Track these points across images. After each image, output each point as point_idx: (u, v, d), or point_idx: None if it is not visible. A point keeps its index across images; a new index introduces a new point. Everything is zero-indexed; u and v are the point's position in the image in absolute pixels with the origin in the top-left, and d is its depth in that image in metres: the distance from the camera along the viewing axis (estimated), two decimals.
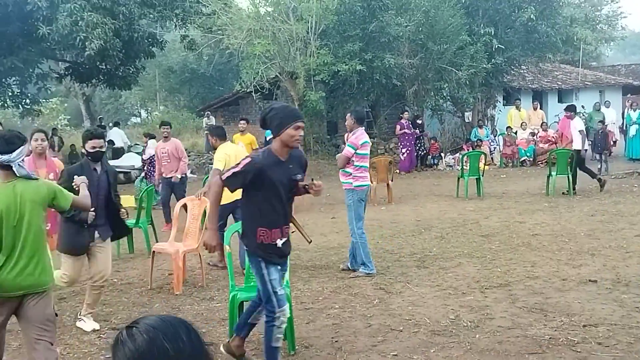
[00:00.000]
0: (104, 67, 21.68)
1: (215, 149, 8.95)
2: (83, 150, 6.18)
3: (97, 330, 6.36)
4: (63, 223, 6.22)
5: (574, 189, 14.42)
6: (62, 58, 23.49)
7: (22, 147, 4.38)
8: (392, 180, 14.94)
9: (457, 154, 21.30)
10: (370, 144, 8.65)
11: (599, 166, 17.71)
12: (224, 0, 21.69)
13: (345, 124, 8.70)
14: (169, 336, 1.67)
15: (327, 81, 21.73)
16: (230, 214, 8.32)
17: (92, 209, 5.82)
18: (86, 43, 18.33)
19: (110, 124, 30.65)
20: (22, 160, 4.43)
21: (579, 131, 14.86)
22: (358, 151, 8.15)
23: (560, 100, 29.58)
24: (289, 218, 5.03)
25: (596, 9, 41.05)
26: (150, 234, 10.41)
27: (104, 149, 6.28)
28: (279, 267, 4.96)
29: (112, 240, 6.61)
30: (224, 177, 4.76)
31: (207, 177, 11.12)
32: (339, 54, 21.21)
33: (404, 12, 21.46)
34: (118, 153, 22.66)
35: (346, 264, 8.44)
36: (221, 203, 9.02)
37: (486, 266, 8.30)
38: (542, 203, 13.35)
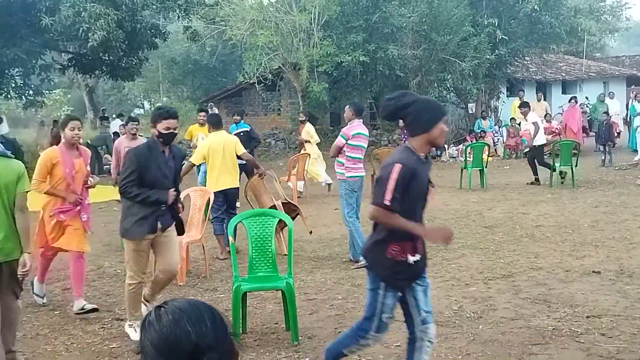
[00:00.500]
0: (107, 58, 21.64)
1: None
2: (153, 131, 5.69)
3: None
4: (130, 207, 5.71)
5: (537, 180, 14.90)
6: (65, 49, 23.44)
7: None
8: None
9: (461, 145, 21.28)
10: (367, 136, 8.62)
11: (603, 157, 17.66)
12: None
13: (344, 115, 8.74)
14: (193, 320, 1.68)
15: (330, 72, 21.70)
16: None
17: (173, 189, 5.77)
18: (89, 34, 18.30)
19: (114, 115, 30.65)
20: None
21: (533, 123, 15.13)
22: (350, 142, 8.21)
23: (564, 92, 29.52)
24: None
25: None
26: None
27: (177, 131, 5.78)
28: (417, 287, 4.28)
29: (178, 234, 6.18)
30: (387, 202, 3.92)
31: None
32: (342, 45, 21.17)
33: (407, 2, 21.39)
34: None
35: (349, 256, 8.46)
36: (219, 189, 9.11)
37: (489, 257, 8.30)
38: (545, 194, 13.33)
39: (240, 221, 5.96)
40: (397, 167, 3.94)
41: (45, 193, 6.54)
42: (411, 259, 4.13)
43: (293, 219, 7.79)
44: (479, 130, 21.98)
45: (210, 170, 8.83)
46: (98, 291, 7.47)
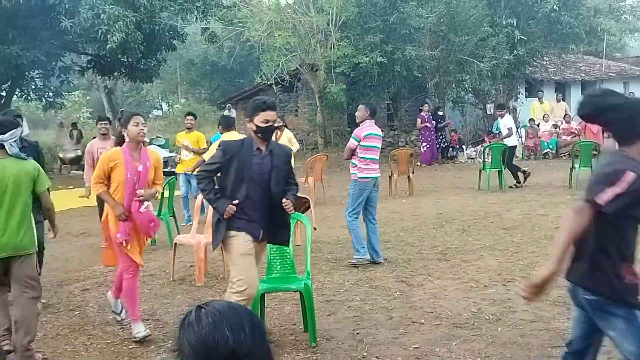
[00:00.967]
0: (126, 60, 21.75)
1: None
2: (250, 126, 5.17)
3: None
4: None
5: (518, 182, 15.01)
6: (84, 51, 23.58)
7: (14, 130, 5.04)
8: (413, 173, 14.89)
9: (479, 146, 21.19)
10: (380, 136, 8.62)
11: None
12: None
13: (356, 114, 8.76)
14: (232, 325, 1.68)
15: (347, 73, 21.69)
16: None
17: (236, 201, 5.12)
18: (108, 36, 18.41)
19: None
20: (15, 140, 5.05)
21: (509, 128, 15.18)
22: (362, 143, 8.25)
23: (583, 92, 29.24)
24: None
25: None
26: (172, 227, 10.46)
27: (277, 124, 5.54)
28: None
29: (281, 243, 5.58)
30: (600, 200, 3.31)
31: None
32: (360, 45, 21.15)
33: (425, 3, 21.34)
34: None
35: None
36: None
37: (508, 259, 8.25)
38: (564, 196, 13.23)
39: None
40: (632, 177, 3.28)
41: (98, 195, 6.18)
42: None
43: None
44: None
45: None
46: None
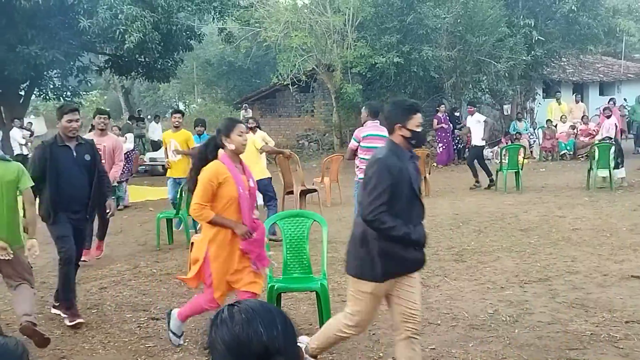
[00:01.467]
0: (143, 59, 21.87)
1: None
2: (401, 133, 4.34)
3: None
4: (371, 238, 4.33)
5: (491, 182, 15.04)
6: (102, 51, 23.74)
7: None
8: (429, 174, 14.85)
9: (496, 147, 21.08)
10: (384, 136, 8.50)
11: None
12: None
13: (360, 116, 8.78)
14: (266, 322, 1.70)
15: (364, 74, 21.66)
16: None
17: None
18: (125, 36, 18.52)
19: (149, 117, 30.99)
20: None
21: (469, 127, 15.24)
22: (362, 144, 8.27)
23: (601, 93, 29.08)
24: None
25: None
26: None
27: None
28: None
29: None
30: None
31: None
32: (376, 46, 21.12)
33: (442, 3, 21.28)
34: (156, 146, 23.08)
35: None
36: None
37: (525, 260, 8.21)
38: (582, 197, 13.15)
39: (275, 222, 5.98)
40: None
41: (209, 223, 5.10)
42: None
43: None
44: (515, 132, 21.74)
45: None
46: (134, 290, 7.55)
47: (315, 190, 12.10)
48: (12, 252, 5.54)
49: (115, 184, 12.27)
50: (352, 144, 8.44)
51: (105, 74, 26.75)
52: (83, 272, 8.52)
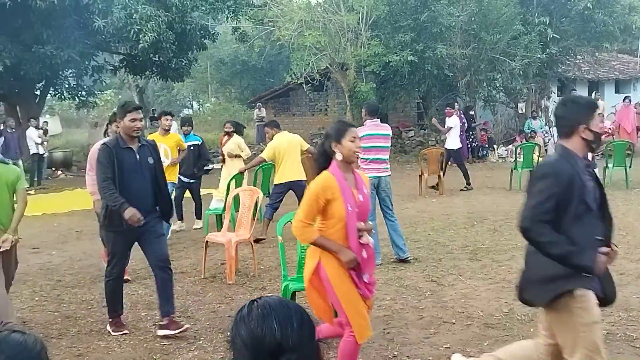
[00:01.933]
0: (157, 59, 21.97)
1: (271, 139, 10.06)
2: (585, 135, 3.76)
3: None
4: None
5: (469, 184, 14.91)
6: (117, 50, 23.88)
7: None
8: (443, 172, 14.81)
9: (510, 146, 21.02)
10: (383, 134, 8.42)
11: None
12: None
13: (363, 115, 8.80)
14: (281, 319, 1.71)
15: (377, 72, 21.64)
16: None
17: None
18: (140, 35, 18.61)
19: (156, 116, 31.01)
20: None
21: (449, 127, 15.15)
22: (362, 144, 8.22)
23: (617, 91, 28.88)
24: None
25: None
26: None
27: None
28: None
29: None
30: None
31: (258, 168, 11.10)
32: (390, 44, 21.08)
33: (456, 1, 21.24)
34: None
35: (395, 255, 8.42)
36: (277, 182, 9.75)
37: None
38: None
39: (289, 221, 5.98)
40: None
41: (312, 244, 4.45)
42: None
43: None
44: (529, 131, 21.65)
45: (277, 165, 9.96)
46: (149, 289, 7.57)
47: None
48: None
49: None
50: None
51: (120, 74, 26.89)
52: (98, 271, 8.56)
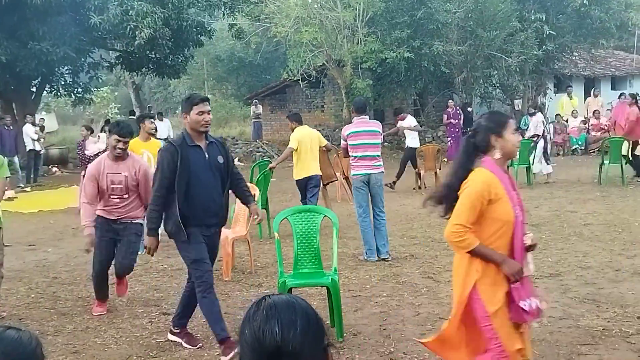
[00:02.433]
0: (154, 56, 21.96)
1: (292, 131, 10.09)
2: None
3: None
4: None
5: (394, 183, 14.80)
6: (113, 47, 23.86)
7: None
8: (440, 169, 14.82)
9: None
10: (369, 131, 8.38)
11: None
12: None
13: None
14: (284, 321, 1.67)
15: (374, 69, 21.66)
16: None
17: None
18: (136, 32, 18.60)
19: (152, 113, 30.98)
20: None
21: (414, 127, 15.19)
22: (349, 142, 8.33)
23: (613, 88, 28.91)
24: None
25: None
26: None
27: None
28: None
29: None
30: None
31: (255, 165, 11.13)
32: (387, 41, 21.10)
33: None
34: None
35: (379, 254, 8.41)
36: (297, 178, 9.80)
37: (537, 256, 8.11)
38: (594, 192, 13.09)
39: (285, 217, 5.99)
40: None
41: (469, 253, 3.74)
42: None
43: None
44: (525, 127, 21.65)
45: (298, 159, 9.91)
46: (145, 285, 7.59)
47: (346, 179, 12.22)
48: None
49: None
50: (342, 143, 8.54)
51: (116, 70, 26.87)
52: None
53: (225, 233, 7.98)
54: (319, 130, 25.53)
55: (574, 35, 23.86)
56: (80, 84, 23.88)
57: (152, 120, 9.61)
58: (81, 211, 6.30)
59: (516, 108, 25.21)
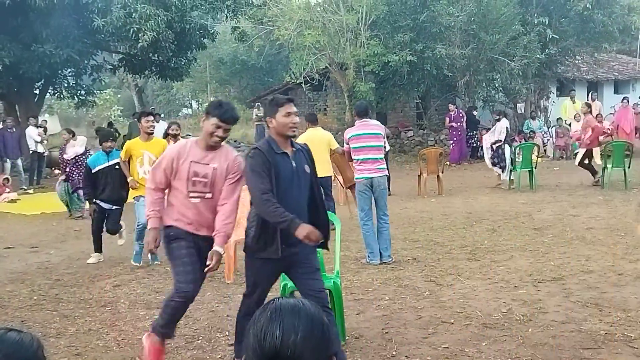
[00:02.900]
0: (157, 58, 21.98)
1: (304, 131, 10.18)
2: None
3: None
4: None
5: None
6: (116, 50, 23.88)
7: None
8: (442, 172, 14.82)
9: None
10: (370, 133, 8.37)
11: None
12: None
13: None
14: (286, 325, 1.63)
15: (377, 72, 21.66)
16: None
17: None
18: (139, 35, 18.62)
19: (162, 115, 31.02)
20: None
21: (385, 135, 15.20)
22: (351, 145, 8.35)
23: (616, 92, 28.90)
24: None
25: None
26: None
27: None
28: None
29: None
30: None
31: None
32: (390, 44, 21.11)
33: (455, 1, 21.25)
34: None
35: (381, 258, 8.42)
36: None
37: (539, 260, 8.17)
38: (596, 196, 13.07)
39: None
40: None
41: None
42: None
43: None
44: (528, 131, 21.66)
45: None
46: (148, 288, 7.59)
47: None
48: None
49: (71, 191, 12.35)
50: (345, 146, 8.55)
51: (119, 73, 26.90)
52: (97, 270, 8.59)
53: None
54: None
55: (577, 39, 23.86)
56: (83, 86, 23.90)
57: (151, 117, 8.76)
58: (146, 199, 5.09)
59: (519, 112, 25.22)
